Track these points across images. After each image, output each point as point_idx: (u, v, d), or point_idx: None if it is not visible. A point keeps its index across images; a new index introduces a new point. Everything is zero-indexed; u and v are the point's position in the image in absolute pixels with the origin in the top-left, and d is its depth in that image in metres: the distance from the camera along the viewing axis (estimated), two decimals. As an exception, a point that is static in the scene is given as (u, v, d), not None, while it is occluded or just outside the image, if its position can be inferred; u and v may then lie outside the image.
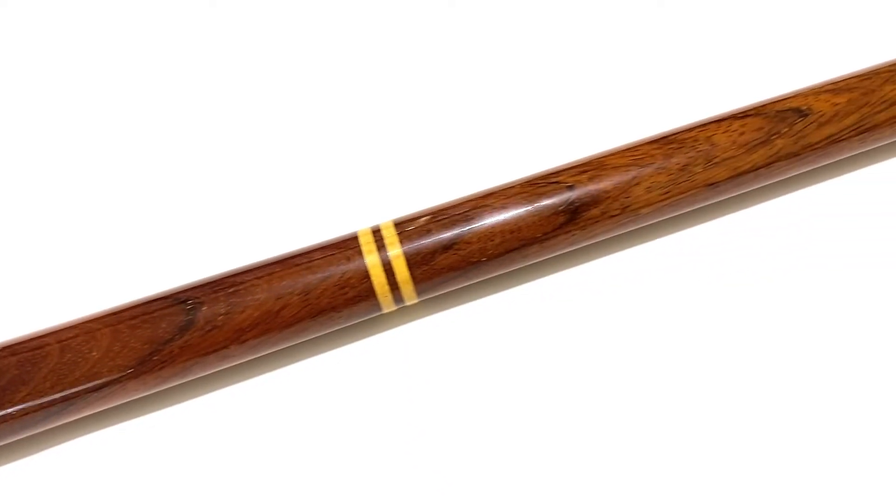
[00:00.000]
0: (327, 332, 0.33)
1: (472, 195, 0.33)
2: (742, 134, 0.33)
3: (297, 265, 0.32)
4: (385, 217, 0.34)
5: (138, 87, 0.42)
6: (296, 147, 0.39)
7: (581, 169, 0.33)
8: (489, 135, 0.39)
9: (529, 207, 0.32)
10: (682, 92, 0.39)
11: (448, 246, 0.32)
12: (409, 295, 0.32)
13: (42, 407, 0.30)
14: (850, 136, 0.33)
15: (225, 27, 0.43)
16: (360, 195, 0.37)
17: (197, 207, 0.38)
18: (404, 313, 0.34)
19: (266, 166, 0.39)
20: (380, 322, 0.34)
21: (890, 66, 0.34)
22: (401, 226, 0.32)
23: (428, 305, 0.35)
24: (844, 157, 0.35)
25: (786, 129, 0.33)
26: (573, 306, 0.34)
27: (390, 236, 0.32)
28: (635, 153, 0.33)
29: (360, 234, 0.32)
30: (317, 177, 0.38)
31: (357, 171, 0.38)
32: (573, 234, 0.33)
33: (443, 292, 0.33)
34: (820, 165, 0.34)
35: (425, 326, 0.34)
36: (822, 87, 0.34)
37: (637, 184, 0.33)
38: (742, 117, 0.33)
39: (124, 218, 0.38)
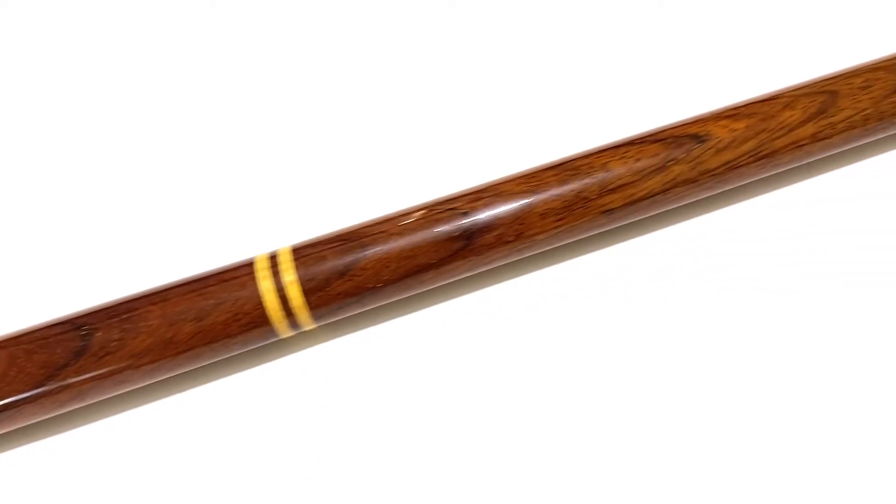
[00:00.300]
0: (224, 357, 0.33)
1: (368, 221, 0.33)
2: (638, 160, 0.33)
3: (192, 291, 0.32)
4: (294, 241, 0.34)
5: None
6: (207, 172, 0.40)
7: (477, 195, 0.33)
8: (395, 160, 0.39)
9: (425, 233, 0.32)
10: (584, 118, 0.39)
11: (343, 272, 0.32)
12: (306, 321, 0.32)
13: (-61, 430, 0.31)
14: (749, 163, 0.33)
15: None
16: (270, 219, 0.38)
17: (100, 230, 0.38)
18: (305, 338, 0.35)
19: (177, 190, 0.39)
20: (282, 346, 0.35)
21: (790, 91, 0.34)
22: (297, 251, 0.33)
23: (330, 329, 0.35)
24: (744, 182, 0.35)
25: (683, 156, 0.33)
26: (474, 331, 0.34)
27: (286, 262, 0.32)
28: (531, 180, 0.33)
29: (256, 260, 0.33)
30: (227, 201, 0.39)
31: (267, 196, 0.39)
32: (469, 260, 0.33)
33: (341, 317, 0.33)
34: (719, 192, 0.34)
35: (327, 351, 0.34)
36: (722, 112, 0.34)
37: (532, 210, 0.33)
38: (639, 143, 0.33)
39: (22, 241, 0.38)
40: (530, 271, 0.35)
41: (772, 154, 0.33)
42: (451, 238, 0.32)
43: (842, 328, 0.33)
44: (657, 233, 0.35)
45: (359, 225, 0.33)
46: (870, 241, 0.35)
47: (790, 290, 0.34)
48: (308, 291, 0.32)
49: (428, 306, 0.35)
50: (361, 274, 0.32)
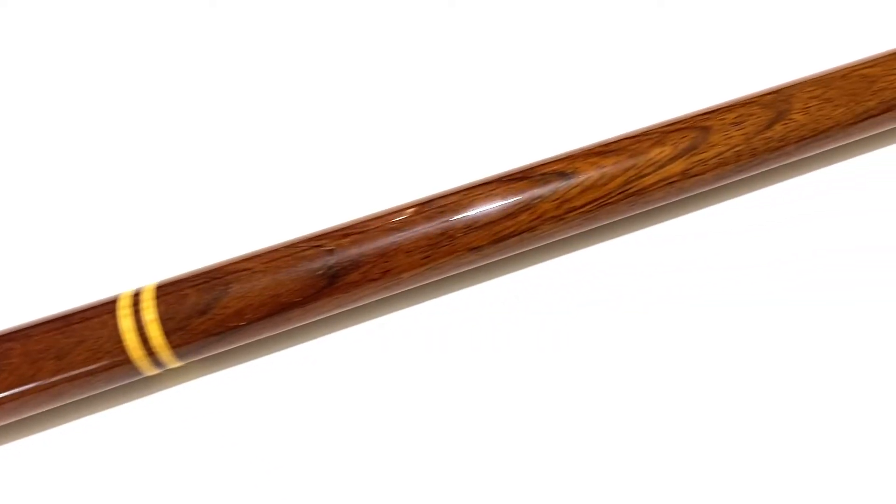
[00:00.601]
0: (89, 395, 0.33)
1: (234, 258, 0.33)
2: (504, 198, 0.33)
3: (54, 329, 0.32)
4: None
5: None
6: (97, 205, 0.40)
7: (343, 233, 0.33)
8: (279, 191, 0.39)
9: (289, 271, 0.32)
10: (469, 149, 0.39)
11: (204, 310, 0.32)
12: (169, 359, 0.32)
13: None
14: (618, 200, 0.33)
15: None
16: (153, 253, 0.38)
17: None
18: (175, 375, 0.34)
19: (66, 221, 0.39)
20: (150, 383, 0.34)
21: (661, 127, 0.34)
22: (161, 289, 0.32)
23: (204, 365, 0.35)
24: (616, 219, 0.34)
25: (549, 193, 0.33)
26: (349, 368, 0.34)
27: (147, 300, 0.32)
28: (397, 217, 0.33)
29: (119, 298, 0.33)
30: (115, 234, 0.39)
31: (157, 229, 0.39)
32: (335, 298, 0.33)
33: (209, 355, 0.33)
34: (591, 228, 0.34)
35: (198, 387, 0.34)
36: (590, 149, 0.34)
37: (397, 248, 0.32)
38: (506, 181, 0.33)
39: None
40: (400, 308, 0.35)
41: (641, 191, 0.33)
42: (315, 276, 0.32)
43: (720, 363, 0.33)
44: (530, 269, 0.35)
45: (224, 261, 0.33)
46: (745, 276, 0.34)
47: (672, 325, 0.34)
48: (168, 331, 0.32)
49: (303, 342, 0.35)
50: (223, 312, 0.32)
